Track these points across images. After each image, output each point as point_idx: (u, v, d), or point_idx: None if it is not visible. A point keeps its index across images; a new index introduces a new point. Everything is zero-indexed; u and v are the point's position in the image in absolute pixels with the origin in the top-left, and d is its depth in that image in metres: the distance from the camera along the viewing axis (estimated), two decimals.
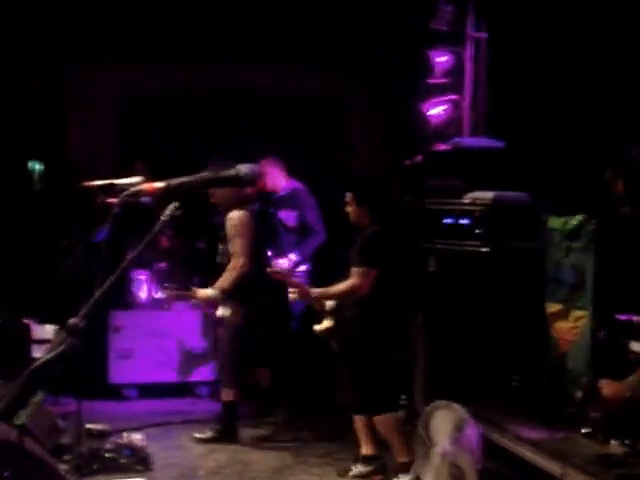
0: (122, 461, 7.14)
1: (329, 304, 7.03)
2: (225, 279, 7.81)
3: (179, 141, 10.31)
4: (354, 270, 6.80)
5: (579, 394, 4.27)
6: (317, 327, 7.06)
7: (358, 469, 7.11)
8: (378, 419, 6.93)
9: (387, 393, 7.01)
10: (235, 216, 7.86)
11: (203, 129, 10.43)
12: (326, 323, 7.02)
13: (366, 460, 7.12)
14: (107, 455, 7.15)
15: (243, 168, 3.20)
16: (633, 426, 5.60)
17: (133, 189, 3.18)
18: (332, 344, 7.14)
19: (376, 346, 6.90)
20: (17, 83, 9.59)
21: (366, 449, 7.12)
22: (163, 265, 9.81)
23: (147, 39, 9.79)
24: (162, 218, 3.02)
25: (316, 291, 6.93)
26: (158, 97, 10.58)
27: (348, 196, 7.07)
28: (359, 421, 7.07)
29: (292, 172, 9.33)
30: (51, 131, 10.14)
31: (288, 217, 9.22)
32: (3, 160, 9.66)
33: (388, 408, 6.93)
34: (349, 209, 7.06)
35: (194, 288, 7.97)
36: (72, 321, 2.60)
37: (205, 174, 3.14)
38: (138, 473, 7.09)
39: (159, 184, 3.15)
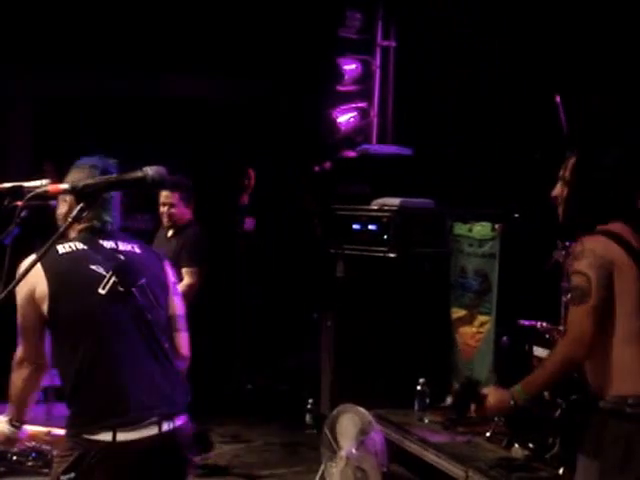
0: (29, 464, 7.05)
1: None
2: None
3: (96, 144, 10.15)
4: None
5: (449, 399, 4.16)
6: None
7: None
8: None
9: None
10: None
11: (118, 134, 10.31)
12: None
13: None
14: (14, 458, 7.04)
15: (150, 170, 3.04)
16: (536, 430, 5.69)
17: (38, 191, 3.14)
18: None
19: None
20: None
21: None
22: None
23: (66, 41, 9.64)
24: (68, 220, 3.01)
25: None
26: (75, 100, 10.44)
27: None
28: None
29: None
30: None
31: None
32: None
33: None
34: None
35: None
36: None
37: (111, 176, 3.07)
38: (44, 477, 7.00)
39: (63, 186, 3.11)
